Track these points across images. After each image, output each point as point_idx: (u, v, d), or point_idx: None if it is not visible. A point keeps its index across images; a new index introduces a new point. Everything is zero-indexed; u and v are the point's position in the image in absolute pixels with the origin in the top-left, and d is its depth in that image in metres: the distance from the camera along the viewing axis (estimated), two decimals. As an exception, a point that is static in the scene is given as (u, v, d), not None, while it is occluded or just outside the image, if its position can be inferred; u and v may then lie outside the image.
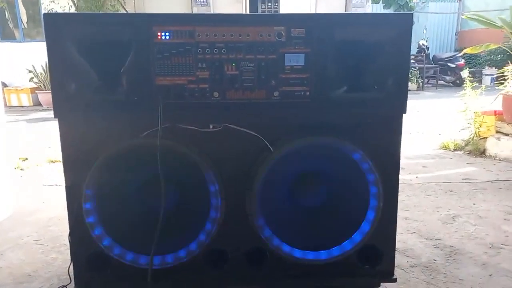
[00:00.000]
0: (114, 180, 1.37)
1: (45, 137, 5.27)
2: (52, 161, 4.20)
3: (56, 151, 4.47)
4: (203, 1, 10.09)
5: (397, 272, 1.55)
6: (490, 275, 1.81)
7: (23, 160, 4.18)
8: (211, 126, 1.37)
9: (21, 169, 3.88)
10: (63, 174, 1.38)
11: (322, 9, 10.54)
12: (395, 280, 1.51)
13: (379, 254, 1.49)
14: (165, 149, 1.31)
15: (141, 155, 1.36)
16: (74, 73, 1.31)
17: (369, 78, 1.35)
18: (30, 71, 9.04)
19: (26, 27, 10.38)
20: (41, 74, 9.08)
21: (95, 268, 1.43)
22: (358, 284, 1.55)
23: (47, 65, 1.31)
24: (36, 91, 9.09)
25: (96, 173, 1.34)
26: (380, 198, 1.41)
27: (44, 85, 9.02)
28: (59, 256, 2.04)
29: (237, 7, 10.57)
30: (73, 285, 1.47)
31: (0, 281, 1.81)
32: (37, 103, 9.13)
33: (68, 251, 1.98)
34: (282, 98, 1.35)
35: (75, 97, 1.32)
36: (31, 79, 9.12)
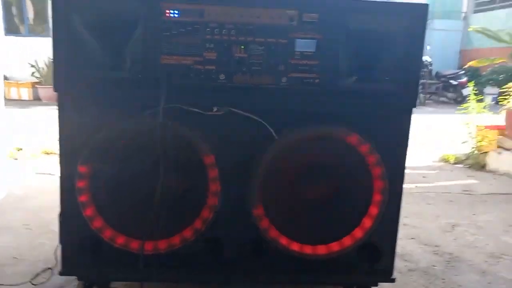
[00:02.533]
0: (111, 159, 1.33)
1: (42, 130, 5.21)
2: (47, 153, 4.14)
3: (52, 144, 4.42)
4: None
5: (395, 275, 1.50)
6: (489, 283, 1.76)
7: (17, 150, 4.11)
8: (215, 109, 1.33)
9: (15, 159, 3.82)
10: (58, 154, 1.33)
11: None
12: (393, 280, 1.46)
13: (379, 252, 1.44)
14: (165, 130, 1.27)
15: (140, 135, 1.32)
16: (78, 47, 1.27)
17: (381, 69, 1.31)
18: (32, 66, 9.01)
19: (32, 23, 10.37)
20: (43, 69, 9.05)
21: (83, 251, 1.37)
22: (356, 282, 1.50)
23: (52, 45, 1.27)
24: (36, 86, 9.03)
25: (93, 151, 1.30)
26: (385, 194, 1.36)
27: (45, 80, 8.98)
28: (47, 242, 1.98)
29: None
30: (59, 268, 1.40)
31: (-16, 262, 1.75)
32: (37, 98, 9.07)
33: (57, 237, 1.94)
34: (290, 85, 1.31)
35: (77, 71, 1.28)
36: (32, 74, 9.09)
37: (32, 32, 10.19)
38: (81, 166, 1.30)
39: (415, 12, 1.28)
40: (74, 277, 1.50)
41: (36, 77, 9.10)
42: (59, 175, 1.34)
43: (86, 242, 1.35)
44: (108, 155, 1.32)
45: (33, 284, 1.52)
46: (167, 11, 1.27)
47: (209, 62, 1.30)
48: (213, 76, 1.31)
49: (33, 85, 9.05)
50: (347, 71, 1.31)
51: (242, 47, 1.30)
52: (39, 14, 10.33)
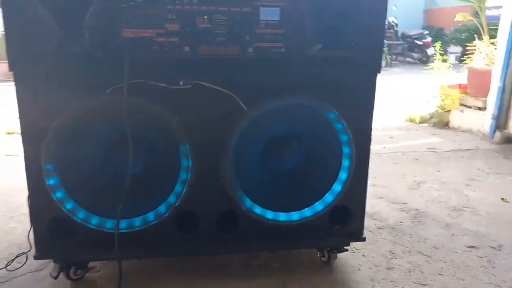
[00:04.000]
0: (77, 140, 1.29)
1: (5, 109, 4.96)
2: (9, 133, 3.98)
3: (14, 123, 4.23)
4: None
5: (366, 234, 1.57)
6: (452, 235, 1.89)
7: (-19, 131, 3.93)
8: (181, 83, 1.30)
9: (-25, 140, 3.65)
10: (21, 134, 1.28)
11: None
12: (364, 239, 1.54)
13: (349, 214, 1.50)
14: (132, 107, 1.24)
15: (106, 113, 1.28)
16: (31, 21, 1.19)
17: (346, 36, 1.31)
18: (-17, 39, 8.44)
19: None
20: (-4, 42, 8.51)
21: (57, 234, 1.36)
22: (329, 244, 1.56)
23: (3, 20, 1.19)
24: (-10, 61, 8.50)
25: (57, 132, 1.25)
26: (353, 159, 1.41)
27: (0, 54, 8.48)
28: (19, 225, 1.94)
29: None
30: (34, 252, 1.39)
31: (-46, 251, 1.71)
32: (-7, 73, 8.56)
33: (29, 221, 1.90)
34: (256, 54, 1.30)
35: (34, 49, 1.21)
36: (-16, 48, 8.54)
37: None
38: (46, 149, 1.26)
39: (378, -24, 1.27)
40: (50, 260, 1.50)
41: (-10, 52, 8.55)
42: (24, 157, 1.29)
43: (58, 225, 1.33)
44: (73, 137, 1.28)
45: (8, 270, 1.50)
46: (125, -19, 1.21)
47: (172, 34, 1.26)
48: (177, 49, 1.27)
49: (-13, 61, 8.53)
50: (313, 39, 1.31)
51: (205, 17, 1.26)
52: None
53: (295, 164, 1.44)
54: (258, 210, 1.43)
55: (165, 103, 1.29)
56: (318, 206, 1.46)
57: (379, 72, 1.37)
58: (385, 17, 1.34)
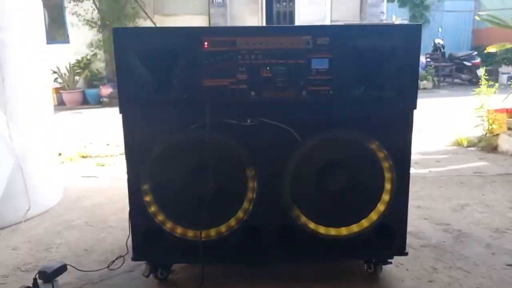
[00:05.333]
0: (168, 166, 1.64)
1: (73, 134, 5.60)
2: (83, 156, 4.49)
3: (86, 147, 4.80)
4: (220, 2, 10.36)
5: (409, 251, 1.77)
6: (492, 253, 2.02)
7: (58, 155, 4.48)
8: (249, 121, 1.62)
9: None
10: (125, 160, 1.65)
11: (337, 8, 10.71)
12: (406, 254, 1.73)
13: (392, 231, 1.72)
14: (212, 140, 1.57)
15: (190, 145, 1.63)
16: (136, 76, 1.58)
17: (384, 79, 1.58)
18: (54, 72, 9.44)
19: (48, 29, 10.76)
20: (65, 74, 9.48)
21: (150, 240, 1.69)
22: (374, 257, 1.78)
23: (116, 75, 1.58)
24: (60, 91, 9.46)
25: (153, 159, 1.61)
26: (394, 182, 1.64)
27: (67, 85, 9.43)
28: (109, 235, 2.32)
29: (253, 7, 10.81)
30: (131, 255, 1.73)
31: (61, 254, 2.11)
32: (61, 103, 9.49)
33: (116, 231, 2.29)
34: (309, 97, 1.59)
35: (137, 96, 1.59)
36: (55, 80, 9.52)
37: (50, 39, 10.61)
38: (144, 173, 1.62)
39: (409, 31, 1.54)
40: (141, 263, 1.84)
41: (59, 83, 9.51)
42: (127, 179, 1.66)
43: (151, 233, 1.68)
44: (165, 164, 1.63)
45: (110, 269, 1.86)
46: (206, 43, 1.57)
47: (242, 82, 1.59)
48: (246, 94, 1.60)
49: (57, 90, 9.44)
50: (356, 83, 1.58)
51: (268, 68, 1.59)
52: (55, 21, 10.73)
53: (344, 186, 1.69)
54: (311, 225, 1.69)
55: (237, 137, 1.61)
56: (364, 223, 1.70)
57: (415, 108, 1.61)
58: (418, 62, 1.59)
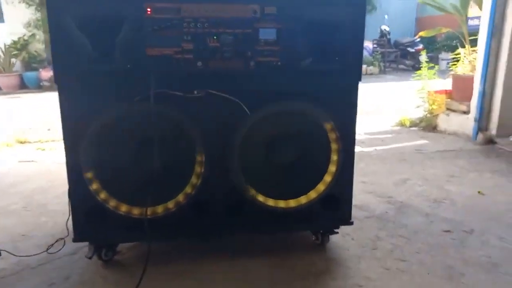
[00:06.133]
0: (110, 141, 1.55)
1: (10, 120, 5.21)
2: (21, 142, 4.20)
3: (24, 133, 4.48)
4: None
5: (355, 222, 1.83)
6: (431, 222, 2.14)
7: (-9, 141, 4.15)
8: (195, 92, 1.57)
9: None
10: (62, 136, 1.54)
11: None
12: (351, 223, 1.79)
13: (338, 201, 1.76)
14: (156, 112, 1.51)
15: (134, 118, 1.55)
16: (72, 45, 1.47)
17: (331, 51, 1.59)
18: (-12, 53, 8.73)
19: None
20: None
21: (92, 220, 1.61)
22: (321, 227, 1.82)
23: (50, 42, 1.45)
24: (-6, 74, 8.76)
25: (94, 134, 1.52)
26: (341, 154, 1.67)
27: (3, 68, 8.73)
28: (50, 220, 2.19)
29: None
30: (72, 237, 1.64)
31: (-3, 240, 1.96)
32: (-5, 87, 8.82)
33: (58, 216, 2.16)
34: (257, 68, 1.57)
35: (73, 66, 1.48)
36: (-11, 62, 8.80)
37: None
38: (84, 149, 1.52)
39: (355, 3, 1.55)
40: (83, 245, 1.75)
41: (-6, 65, 8.81)
42: (65, 155, 1.55)
43: (93, 212, 1.59)
44: (107, 138, 1.54)
45: (49, 253, 1.75)
46: (149, 9, 1.48)
47: (188, 52, 1.53)
48: (192, 63, 1.54)
49: (-9, 73, 8.78)
50: (304, 54, 1.58)
51: (214, 37, 1.54)
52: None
53: (291, 159, 1.70)
54: (260, 198, 1.69)
55: (183, 109, 1.56)
56: (312, 194, 1.73)
57: (360, 80, 1.64)
58: (363, 33, 1.61)
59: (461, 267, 1.71)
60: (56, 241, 1.79)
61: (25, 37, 9.25)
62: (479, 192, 2.57)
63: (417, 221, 2.15)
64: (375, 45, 11.45)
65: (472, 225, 2.10)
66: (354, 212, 1.86)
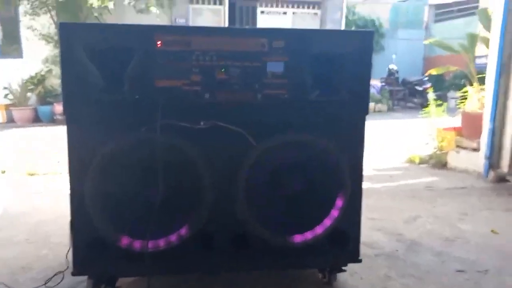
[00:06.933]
0: (115, 171, 1.54)
1: (21, 152, 5.27)
2: (31, 174, 4.22)
3: (35, 165, 4.51)
4: (183, 22, 10.37)
5: (363, 260, 1.76)
6: (443, 261, 2.06)
7: (2, 172, 4.18)
8: (202, 123, 1.57)
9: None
10: (68, 164, 1.53)
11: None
12: (360, 261, 1.72)
13: (346, 237, 1.71)
14: (162, 143, 1.50)
15: (139, 148, 1.55)
16: (83, 74, 1.50)
17: (338, 83, 1.60)
18: (5, 88, 8.97)
19: (1, 43, 10.26)
20: (16, 90, 9.02)
21: (93, 253, 1.57)
22: (328, 264, 1.75)
23: (60, 72, 1.49)
24: (10, 108, 8.96)
25: (99, 163, 1.51)
26: (348, 187, 1.64)
27: (19, 101, 8.95)
28: (51, 252, 2.15)
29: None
30: (71, 270, 1.59)
31: (-4, 272, 1.92)
32: (11, 120, 8.99)
33: (59, 248, 2.12)
34: (264, 100, 1.58)
35: (83, 95, 1.51)
36: (6, 96, 9.03)
37: (3, 53, 10.11)
38: (89, 178, 1.51)
39: (363, 37, 1.58)
40: (82, 279, 1.70)
41: (10, 99, 9.02)
42: (69, 185, 1.54)
43: (95, 245, 1.55)
44: (112, 167, 1.53)
45: (47, 287, 1.70)
46: (159, 42, 1.52)
47: (196, 84, 1.55)
48: (199, 95, 1.56)
49: (7, 107, 8.95)
50: (311, 87, 1.59)
51: (222, 70, 1.56)
52: (9, 35, 10.26)
53: (298, 192, 1.67)
54: (266, 233, 1.65)
55: (189, 140, 1.55)
56: (318, 229, 1.68)
57: (367, 113, 1.63)
58: (370, 67, 1.63)
59: (477, 310, 1.62)
60: (55, 275, 1.74)
61: (42, 72, 9.55)
62: (492, 230, 2.48)
63: (428, 260, 2.07)
64: (383, 83, 11.56)
65: (487, 264, 2.01)
66: (363, 249, 1.80)
